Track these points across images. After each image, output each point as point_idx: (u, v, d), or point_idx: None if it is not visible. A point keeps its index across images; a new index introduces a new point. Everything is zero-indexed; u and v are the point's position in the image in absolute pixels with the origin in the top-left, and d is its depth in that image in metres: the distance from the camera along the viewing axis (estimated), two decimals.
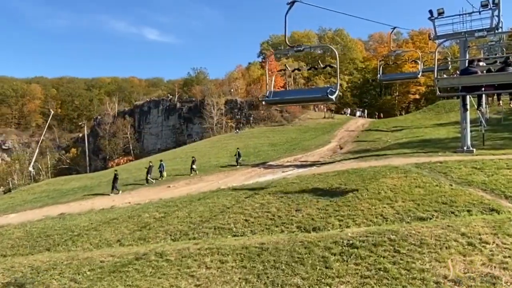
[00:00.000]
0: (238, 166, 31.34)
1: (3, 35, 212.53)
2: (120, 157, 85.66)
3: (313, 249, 10.25)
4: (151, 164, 29.78)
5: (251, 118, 76.47)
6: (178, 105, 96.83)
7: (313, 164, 28.06)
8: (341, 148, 36.02)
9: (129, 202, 20.96)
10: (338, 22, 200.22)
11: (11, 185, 61.48)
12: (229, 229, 13.43)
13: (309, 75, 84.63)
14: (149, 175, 28.67)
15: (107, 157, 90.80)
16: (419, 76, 26.43)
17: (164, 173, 30.21)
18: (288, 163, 30.35)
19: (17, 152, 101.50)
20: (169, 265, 10.82)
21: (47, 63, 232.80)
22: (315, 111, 74.09)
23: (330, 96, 10.70)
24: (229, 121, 78.08)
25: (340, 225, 12.07)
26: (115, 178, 26.36)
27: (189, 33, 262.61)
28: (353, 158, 26.71)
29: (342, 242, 10.41)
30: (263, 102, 12.04)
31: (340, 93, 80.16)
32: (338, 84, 11.02)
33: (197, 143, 63.38)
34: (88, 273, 11.06)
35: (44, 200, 26.56)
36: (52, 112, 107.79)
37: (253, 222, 13.68)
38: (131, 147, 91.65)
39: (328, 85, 11.48)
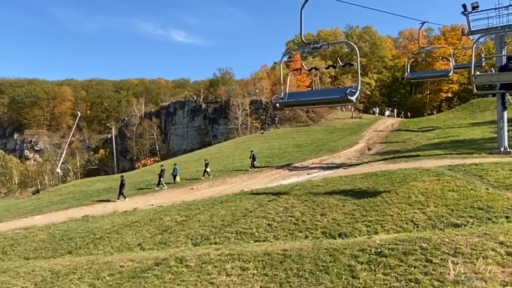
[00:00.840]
0: (251, 170, 30.36)
1: (34, 38, 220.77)
2: (147, 158, 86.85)
3: (339, 257, 9.83)
4: (162, 168, 29.23)
5: (276, 119, 75.94)
6: (203, 106, 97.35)
7: (339, 166, 27.45)
8: (369, 149, 35.21)
9: (152, 204, 20.92)
10: (367, 19, 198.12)
11: (39, 186, 63.23)
12: (251, 233, 13.11)
13: (336, 74, 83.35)
14: (161, 179, 28.21)
15: (134, 158, 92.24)
16: (450, 74, 25.26)
17: (178, 178, 29.49)
18: (314, 165, 29.79)
19: (48, 153, 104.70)
20: (188, 271, 10.56)
21: (77, 66, 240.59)
22: (342, 111, 72.88)
23: (349, 97, 10.14)
24: (254, 122, 77.81)
25: (368, 231, 11.61)
26: (122, 184, 25.51)
27: (216, 34, 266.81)
28: (381, 160, 26.04)
29: (370, 250, 9.95)
30: (277, 105, 11.63)
31: (369, 92, 79.69)
32: (359, 84, 10.46)
33: (221, 144, 63.43)
34: (107, 278, 10.91)
35: (70, 201, 26.83)
36: (79, 114, 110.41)
37: (276, 227, 13.33)
38: (157, 148, 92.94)
39: (349, 86, 10.97)
